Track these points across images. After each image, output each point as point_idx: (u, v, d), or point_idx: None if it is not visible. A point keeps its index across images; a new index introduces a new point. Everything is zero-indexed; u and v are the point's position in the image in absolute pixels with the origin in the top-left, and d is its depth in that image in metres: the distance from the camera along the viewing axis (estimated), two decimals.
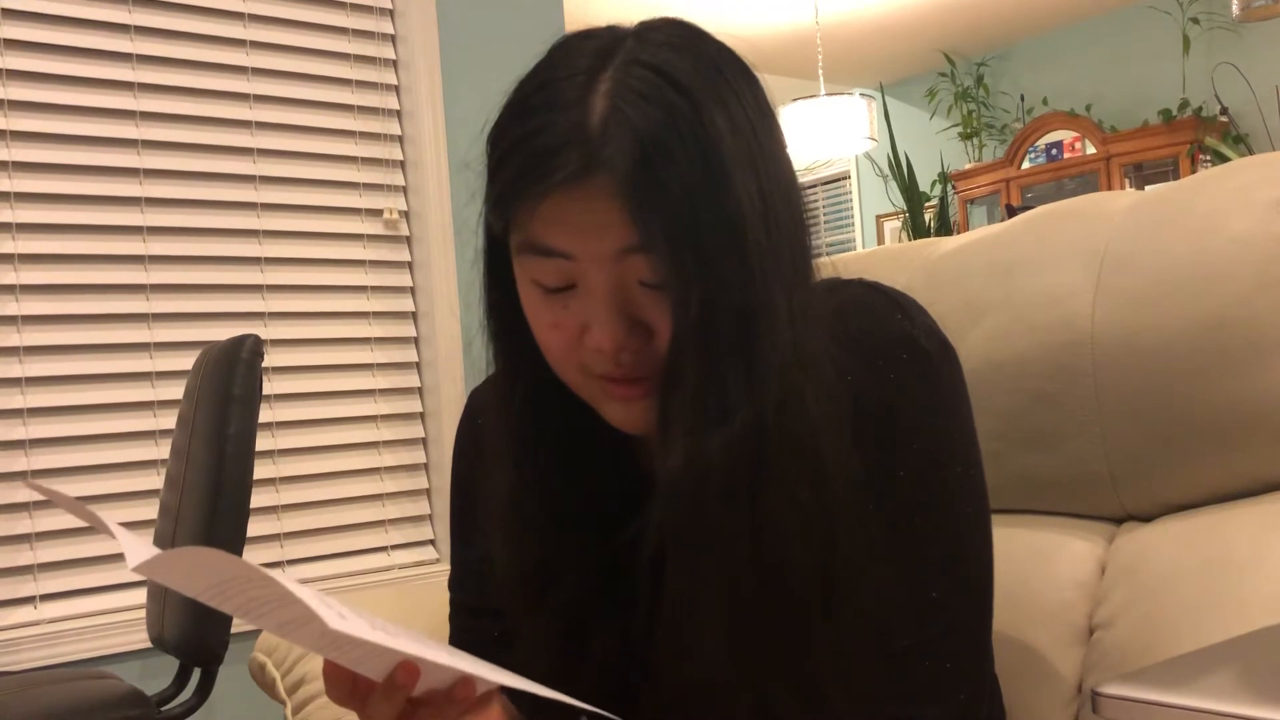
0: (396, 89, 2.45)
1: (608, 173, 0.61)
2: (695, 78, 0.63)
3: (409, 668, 0.60)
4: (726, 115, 0.63)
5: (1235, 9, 2.92)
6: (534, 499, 0.74)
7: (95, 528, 0.61)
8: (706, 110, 0.62)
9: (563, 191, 0.63)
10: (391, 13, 2.45)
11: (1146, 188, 4.97)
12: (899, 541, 0.69)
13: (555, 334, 0.68)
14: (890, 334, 0.71)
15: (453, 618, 0.89)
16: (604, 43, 0.66)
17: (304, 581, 1.93)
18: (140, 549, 0.55)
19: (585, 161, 0.62)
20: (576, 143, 0.62)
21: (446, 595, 0.90)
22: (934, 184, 6.02)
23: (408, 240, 2.45)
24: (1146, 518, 0.92)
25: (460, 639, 0.88)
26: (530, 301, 0.69)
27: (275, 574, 0.53)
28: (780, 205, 0.65)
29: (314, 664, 1.11)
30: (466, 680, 0.62)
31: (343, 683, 0.64)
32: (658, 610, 0.67)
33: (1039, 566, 0.94)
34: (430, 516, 2.44)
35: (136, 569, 0.54)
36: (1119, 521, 0.95)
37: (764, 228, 0.63)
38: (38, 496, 1.97)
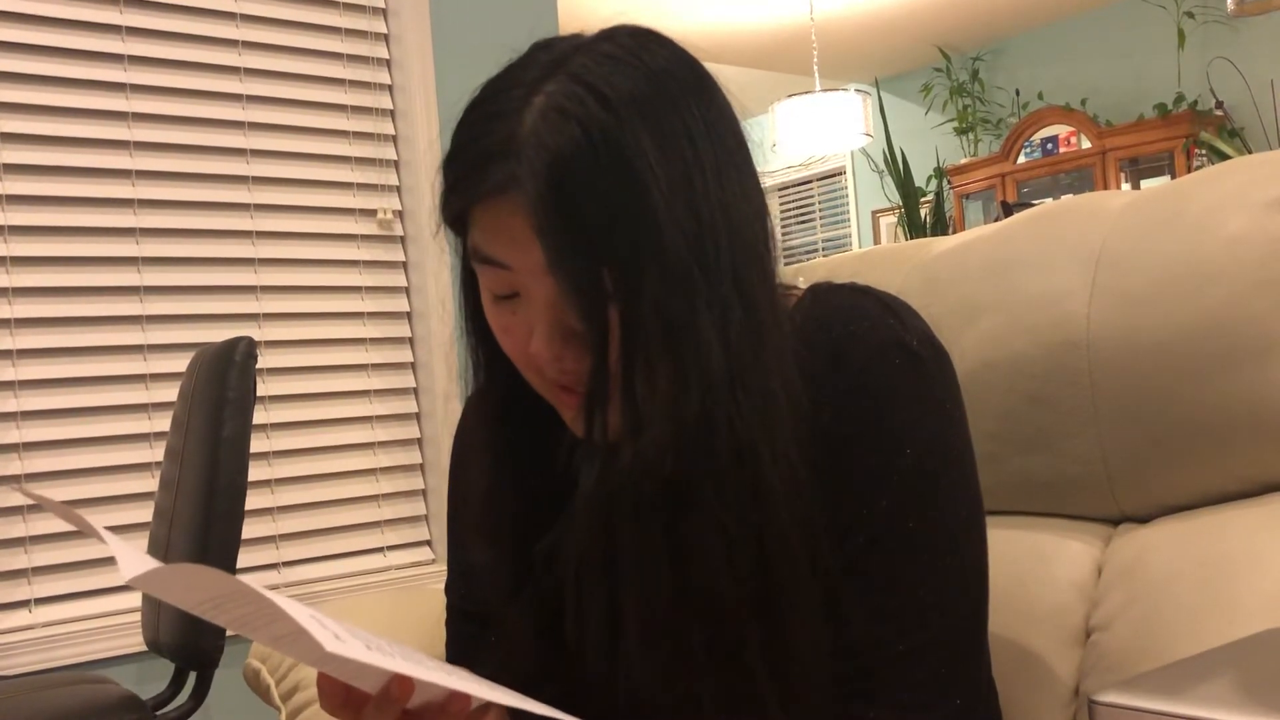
0: (390, 88, 2.45)
1: (521, 190, 0.62)
2: (628, 92, 0.63)
3: (404, 681, 0.59)
4: (656, 131, 0.62)
5: (1230, 3, 2.91)
6: (510, 498, 0.75)
7: (88, 534, 0.60)
8: (631, 126, 0.62)
9: (490, 202, 0.64)
10: (384, 12, 2.44)
11: (1142, 182, 4.99)
12: (893, 546, 0.69)
13: (507, 339, 0.70)
14: (882, 338, 0.70)
15: (448, 622, 0.89)
16: (558, 53, 0.66)
17: (301, 584, 1.91)
18: (135, 563, 0.54)
19: (509, 175, 0.63)
20: (504, 155, 0.63)
21: (439, 600, 0.90)
22: (930, 179, 6.02)
23: (402, 240, 2.45)
24: (1143, 519, 0.92)
25: (455, 643, 0.88)
26: (485, 306, 0.70)
27: (270, 594, 0.52)
28: (720, 223, 0.64)
29: (308, 671, 1.11)
30: (461, 693, 0.61)
31: (336, 695, 0.64)
32: (584, 627, 0.67)
33: (1036, 568, 0.93)
34: (426, 517, 2.44)
35: (131, 583, 0.53)
36: (1116, 523, 0.94)
37: (690, 245, 0.63)
38: (32, 500, 1.97)
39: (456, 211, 0.68)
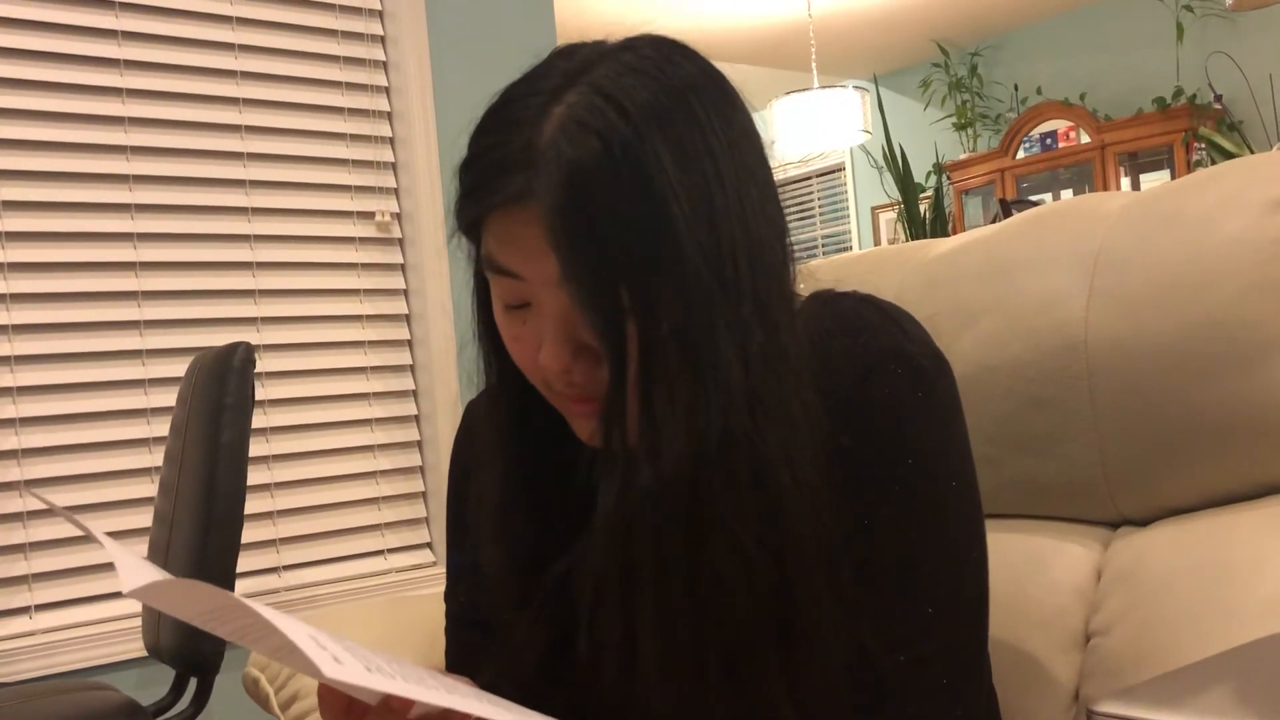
0: (387, 90, 2.44)
1: (539, 201, 0.61)
2: (648, 105, 0.62)
3: None
4: (676, 146, 0.62)
5: None
6: (521, 503, 0.75)
7: (89, 538, 0.60)
8: (650, 140, 0.61)
9: (506, 212, 0.63)
10: (381, 14, 2.44)
11: (1142, 177, 4.97)
12: (895, 556, 0.69)
13: (517, 348, 0.69)
14: (884, 347, 0.70)
15: (448, 629, 0.89)
16: (579, 62, 0.65)
17: (301, 587, 1.90)
18: (136, 574, 0.54)
19: (525, 185, 0.62)
20: (522, 165, 0.62)
21: (435, 607, 0.90)
22: (929, 175, 6.01)
23: (400, 242, 2.44)
24: (1143, 522, 0.92)
25: (456, 651, 0.88)
26: (497, 314, 0.70)
27: (269, 612, 0.52)
28: (739, 239, 0.63)
29: (307, 681, 1.10)
30: None
31: (337, 705, 0.64)
32: (599, 644, 0.67)
33: (1035, 572, 0.93)
34: (426, 519, 2.43)
35: (130, 595, 0.54)
36: (1115, 526, 0.94)
37: (710, 263, 0.62)
38: (32, 506, 1.97)
39: (471, 219, 0.67)
